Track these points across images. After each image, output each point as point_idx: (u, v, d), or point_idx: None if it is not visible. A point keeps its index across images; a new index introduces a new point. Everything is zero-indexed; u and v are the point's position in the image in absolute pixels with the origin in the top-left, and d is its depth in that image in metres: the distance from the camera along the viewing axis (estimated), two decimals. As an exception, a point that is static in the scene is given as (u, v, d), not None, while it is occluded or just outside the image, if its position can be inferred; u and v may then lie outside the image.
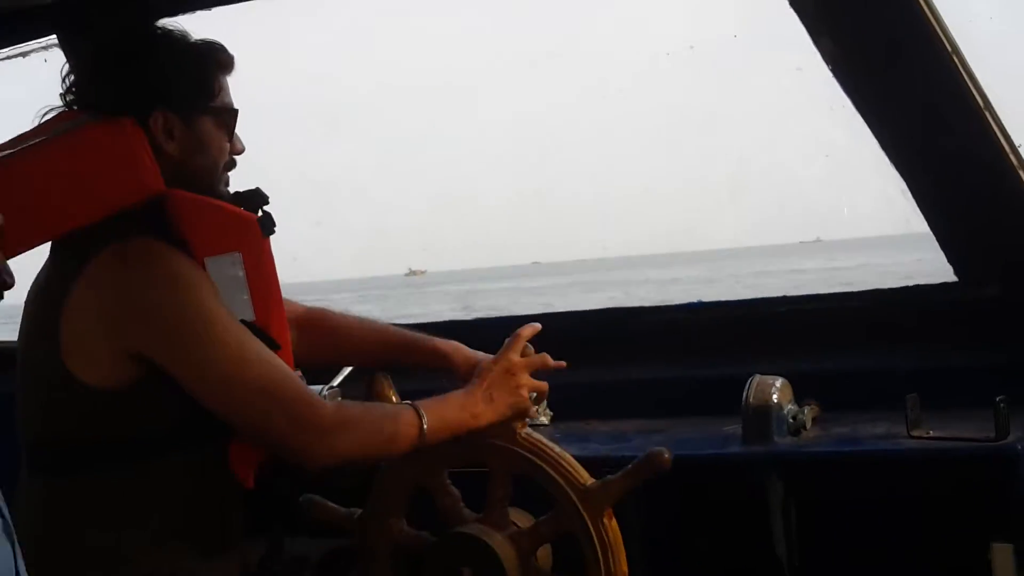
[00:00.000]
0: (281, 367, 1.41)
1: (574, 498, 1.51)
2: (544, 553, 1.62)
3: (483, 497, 1.58)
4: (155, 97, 1.44)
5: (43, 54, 2.34)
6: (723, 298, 2.40)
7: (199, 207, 1.43)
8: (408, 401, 1.50)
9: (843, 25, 1.74)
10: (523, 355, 1.56)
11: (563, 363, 1.59)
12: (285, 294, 1.51)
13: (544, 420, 2.05)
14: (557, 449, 1.55)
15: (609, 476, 1.50)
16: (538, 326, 1.59)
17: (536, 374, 1.57)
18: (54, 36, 2.26)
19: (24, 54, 2.37)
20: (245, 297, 1.43)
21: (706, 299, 2.25)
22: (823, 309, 2.06)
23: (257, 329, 1.42)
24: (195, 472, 1.44)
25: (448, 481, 1.61)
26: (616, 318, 2.24)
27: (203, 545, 1.45)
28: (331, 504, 1.66)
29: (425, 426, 1.45)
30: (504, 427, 1.54)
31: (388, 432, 1.45)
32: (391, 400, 1.61)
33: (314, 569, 1.76)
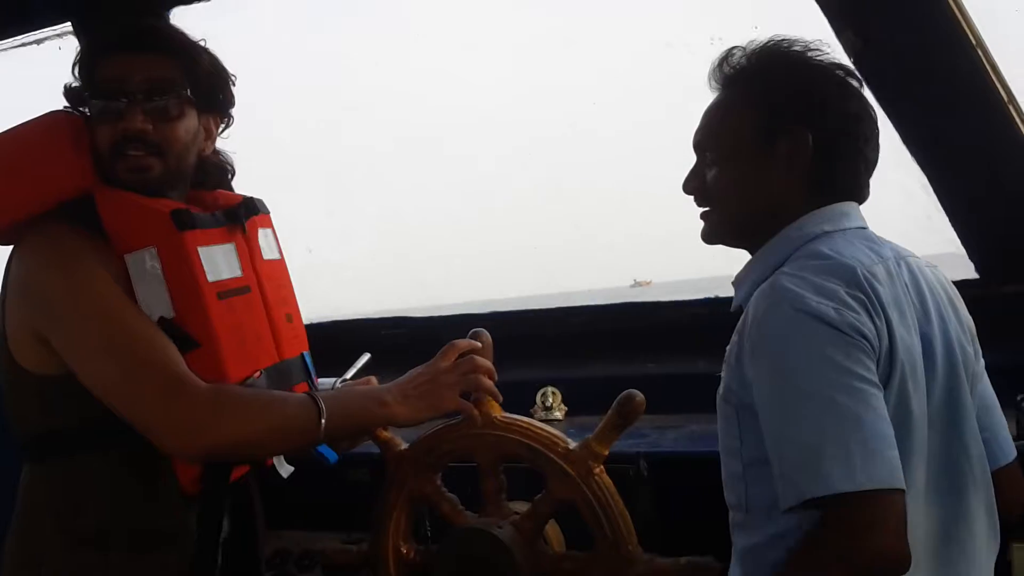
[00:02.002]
0: (158, 344, 1.34)
1: (560, 463, 1.50)
2: (555, 535, 1.62)
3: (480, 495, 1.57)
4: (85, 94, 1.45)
5: (57, 41, 2.34)
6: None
7: (117, 202, 1.40)
8: (306, 391, 1.45)
9: (866, 19, 1.72)
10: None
11: (491, 369, 1.53)
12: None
13: (558, 415, 2.05)
14: (533, 422, 1.55)
15: (588, 436, 1.50)
16: (476, 344, 1.54)
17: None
18: (68, 23, 2.25)
19: (38, 41, 2.37)
20: (164, 293, 1.37)
21: (723, 295, 2.23)
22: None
23: (174, 326, 1.36)
24: (126, 467, 1.40)
25: (443, 488, 1.59)
26: (635, 312, 2.22)
27: (138, 544, 1.41)
28: (338, 546, 1.65)
29: (323, 415, 1.37)
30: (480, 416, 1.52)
31: (277, 416, 1.37)
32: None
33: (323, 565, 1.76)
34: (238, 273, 1.47)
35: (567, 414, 2.06)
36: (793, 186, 1.27)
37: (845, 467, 1.07)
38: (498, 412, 1.56)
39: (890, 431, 1.10)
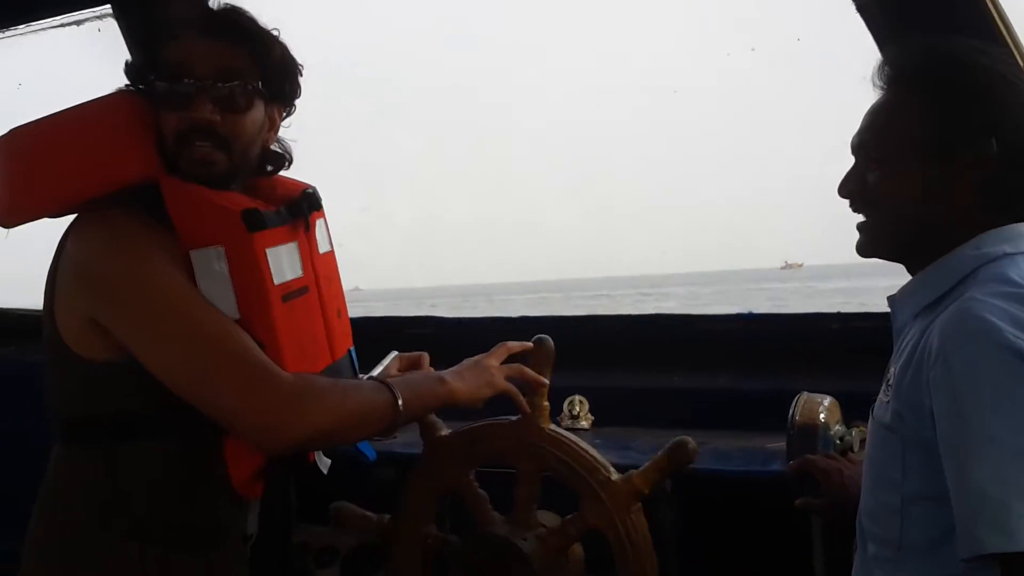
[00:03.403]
0: (238, 334, 1.29)
1: (599, 492, 1.48)
2: (576, 554, 1.59)
3: (510, 499, 1.56)
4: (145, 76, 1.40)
5: (97, 23, 2.33)
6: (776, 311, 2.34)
7: (184, 195, 1.34)
8: (373, 377, 1.44)
9: (910, 35, 1.67)
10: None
11: (528, 344, 1.56)
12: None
13: (584, 424, 2.02)
14: (581, 444, 1.53)
15: (633, 470, 1.47)
16: (527, 344, 1.56)
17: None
18: (108, 5, 2.25)
19: (78, 23, 2.36)
20: (229, 294, 1.32)
21: (757, 311, 2.19)
22: (878, 328, 1.99)
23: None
24: (174, 461, 1.35)
25: (475, 483, 1.59)
26: (665, 324, 2.19)
27: (180, 540, 1.37)
28: (361, 510, 1.64)
29: (400, 399, 1.36)
30: (528, 423, 1.52)
31: (358, 403, 1.35)
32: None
33: (342, 562, 1.74)
34: (300, 273, 1.43)
35: (593, 424, 2.03)
36: (970, 200, 1.15)
37: None
38: (547, 424, 1.55)
39: None
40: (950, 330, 1.07)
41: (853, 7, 1.68)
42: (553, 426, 1.56)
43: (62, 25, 2.37)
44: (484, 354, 1.53)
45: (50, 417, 1.40)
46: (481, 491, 1.58)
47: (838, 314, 2.06)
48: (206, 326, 1.29)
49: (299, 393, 1.29)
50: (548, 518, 1.59)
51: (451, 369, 1.49)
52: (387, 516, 1.62)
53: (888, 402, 1.17)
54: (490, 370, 1.50)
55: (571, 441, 1.53)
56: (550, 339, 1.58)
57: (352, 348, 1.60)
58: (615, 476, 1.49)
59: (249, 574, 1.45)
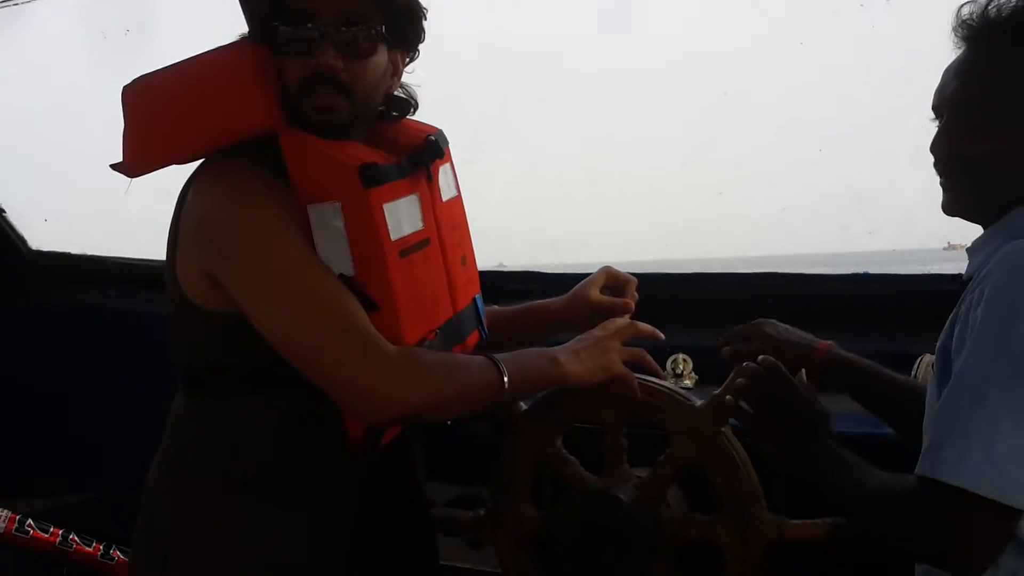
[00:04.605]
0: (348, 304, 1.28)
1: (685, 421, 1.46)
2: (676, 501, 1.57)
3: (599, 459, 1.54)
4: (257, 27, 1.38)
5: None
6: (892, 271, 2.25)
7: (303, 148, 1.32)
8: (484, 353, 1.41)
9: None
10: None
11: (658, 333, 1.52)
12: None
13: (688, 383, 2.00)
14: (658, 382, 1.50)
15: (713, 391, 1.44)
16: (660, 336, 1.53)
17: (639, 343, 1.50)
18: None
19: None
20: (345, 250, 1.30)
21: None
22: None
23: (354, 286, 1.30)
24: (292, 415, 1.36)
25: (563, 448, 1.57)
26: (776, 283, 2.13)
27: (296, 494, 1.38)
28: (455, 512, 1.63)
29: (506, 376, 1.34)
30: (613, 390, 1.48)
31: (463, 381, 1.34)
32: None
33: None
34: (420, 226, 1.41)
35: (697, 383, 2.00)
36: None
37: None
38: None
39: None
40: (995, 263, 1.09)
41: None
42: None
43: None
44: (608, 330, 1.48)
45: (174, 367, 1.44)
46: (571, 457, 1.57)
47: (955, 275, 1.96)
48: (317, 294, 1.28)
49: (404, 370, 1.28)
50: (639, 472, 1.56)
51: (569, 345, 1.45)
52: (481, 511, 1.61)
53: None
54: (610, 353, 1.45)
55: (648, 380, 1.49)
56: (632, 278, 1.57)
57: (479, 295, 1.58)
58: (699, 403, 1.46)
59: (368, 529, 1.45)
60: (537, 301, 1.69)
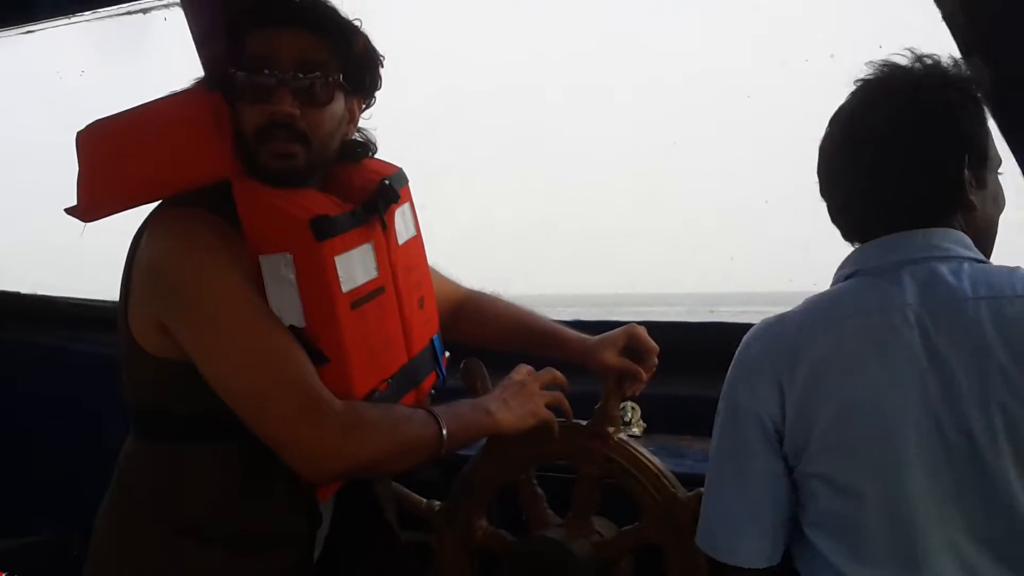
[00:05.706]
0: (296, 358, 1.27)
1: (663, 508, 1.47)
2: (625, 566, 1.59)
3: (567, 501, 1.56)
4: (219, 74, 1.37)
5: (163, 12, 2.31)
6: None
7: (255, 198, 1.32)
8: (422, 406, 1.42)
9: (996, 44, 1.64)
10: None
11: (570, 413, 1.57)
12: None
13: (636, 431, 2.02)
14: (649, 456, 1.52)
15: (700, 489, 1.45)
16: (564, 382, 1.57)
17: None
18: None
19: (145, 11, 2.33)
20: (296, 301, 1.30)
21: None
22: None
23: (304, 337, 1.29)
24: (241, 463, 1.35)
25: (535, 481, 1.59)
26: (719, 332, 2.17)
27: (244, 543, 1.37)
28: (413, 495, 1.65)
29: (444, 430, 1.35)
30: (595, 432, 1.53)
31: (406, 437, 1.33)
32: (477, 389, 1.58)
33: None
34: (374, 274, 1.40)
35: (645, 431, 2.03)
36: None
37: None
38: (617, 431, 1.55)
39: None
40: None
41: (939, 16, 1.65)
42: (623, 435, 1.56)
43: (128, 13, 2.33)
44: (529, 377, 1.53)
45: (126, 408, 1.42)
46: (540, 490, 1.59)
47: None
48: (264, 347, 1.27)
49: (348, 426, 1.27)
50: (601, 524, 1.59)
51: (497, 394, 1.49)
52: (437, 503, 1.63)
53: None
54: (534, 398, 1.50)
55: (639, 452, 1.52)
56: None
57: (436, 335, 1.60)
58: (682, 494, 1.48)
59: None
60: (563, 328, 1.73)
